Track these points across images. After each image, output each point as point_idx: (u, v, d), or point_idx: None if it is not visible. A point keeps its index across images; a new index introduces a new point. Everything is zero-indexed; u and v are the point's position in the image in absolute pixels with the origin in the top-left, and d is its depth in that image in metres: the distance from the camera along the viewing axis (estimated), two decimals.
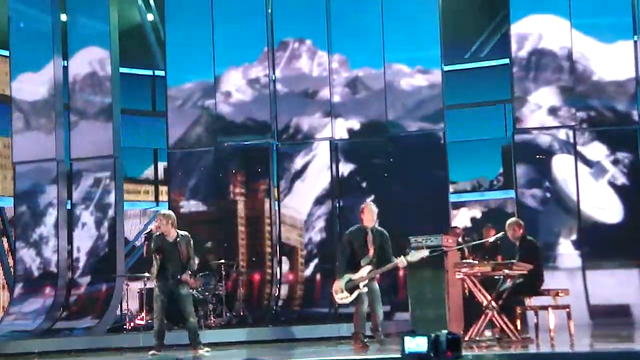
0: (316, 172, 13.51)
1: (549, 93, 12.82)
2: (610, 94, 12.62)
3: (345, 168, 13.49)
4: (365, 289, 8.60)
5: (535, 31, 12.90)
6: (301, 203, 13.49)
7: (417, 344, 2.29)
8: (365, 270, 8.65)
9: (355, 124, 13.60)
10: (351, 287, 8.65)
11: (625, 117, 12.55)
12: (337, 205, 13.35)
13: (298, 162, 13.63)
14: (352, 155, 13.52)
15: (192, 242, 9.35)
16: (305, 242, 13.41)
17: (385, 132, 13.31)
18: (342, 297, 8.70)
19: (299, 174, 13.59)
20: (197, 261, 10.08)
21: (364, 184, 13.33)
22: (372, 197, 13.02)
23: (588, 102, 12.67)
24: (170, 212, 9.48)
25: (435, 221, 12.23)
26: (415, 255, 8.72)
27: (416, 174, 12.90)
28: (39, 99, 14.21)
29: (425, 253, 8.84)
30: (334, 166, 13.48)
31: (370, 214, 8.78)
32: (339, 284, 8.72)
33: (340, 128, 13.60)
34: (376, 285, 8.78)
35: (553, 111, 12.78)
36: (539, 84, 12.86)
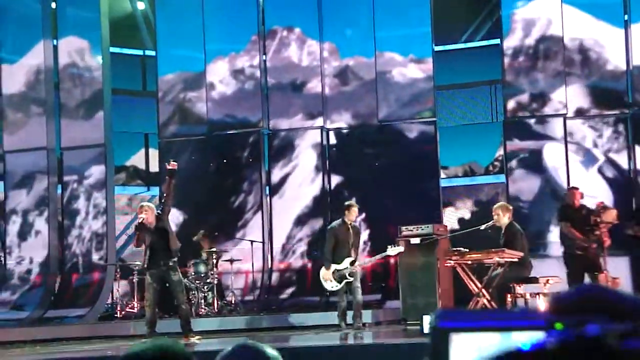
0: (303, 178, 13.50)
1: (539, 79, 12.82)
2: (604, 79, 12.62)
3: (336, 156, 13.49)
4: (352, 279, 9.66)
5: (529, 15, 12.88)
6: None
7: None
8: (347, 261, 9.72)
9: (346, 117, 13.57)
10: (339, 277, 9.71)
11: (617, 104, 12.56)
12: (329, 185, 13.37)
13: (284, 167, 13.59)
14: (342, 145, 13.52)
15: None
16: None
17: (377, 125, 13.29)
18: (331, 285, 9.79)
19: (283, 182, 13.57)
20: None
21: (353, 169, 13.32)
22: (363, 185, 13.04)
23: (579, 88, 12.67)
24: (151, 204, 9.82)
25: (427, 210, 12.27)
26: (394, 250, 10.01)
27: (407, 164, 12.89)
28: (23, 90, 14.10)
29: (400, 249, 10.03)
30: (325, 172, 13.45)
31: (353, 213, 9.98)
32: (327, 273, 9.82)
33: (331, 120, 13.60)
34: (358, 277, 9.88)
35: (544, 97, 12.79)
36: (530, 69, 12.86)
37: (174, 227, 10.40)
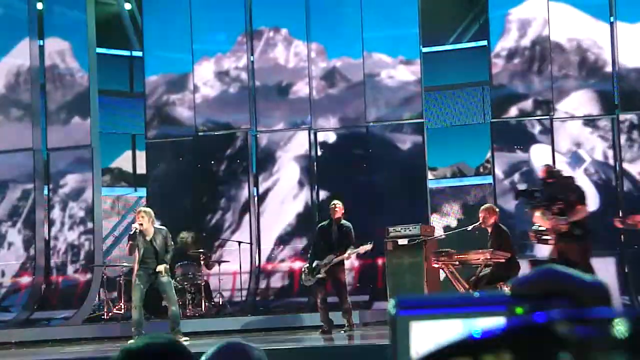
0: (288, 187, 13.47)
1: (527, 80, 12.84)
2: (592, 80, 12.65)
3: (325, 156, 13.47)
4: (324, 275, 9.67)
5: (518, 16, 12.91)
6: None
7: None
8: (328, 258, 9.70)
9: (333, 120, 13.54)
10: (315, 271, 9.77)
11: (605, 105, 12.60)
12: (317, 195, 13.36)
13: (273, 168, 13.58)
14: (330, 147, 13.51)
15: (169, 235, 9.55)
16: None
17: (365, 127, 13.28)
18: (305, 279, 9.92)
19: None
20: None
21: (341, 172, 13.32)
22: (351, 188, 13.04)
23: (567, 89, 12.70)
24: (149, 209, 9.67)
25: (414, 211, 12.27)
26: (359, 248, 9.84)
27: (396, 167, 12.90)
28: (3, 91, 14.02)
29: (368, 247, 9.85)
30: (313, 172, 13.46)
31: (332, 212, 9.98)
32: (307, 266, 9.95)
33: (317, 123, 13.57)
34: (341, 276, 9.85)
35: (531, 98, 12.81)
36: (518, 71, 12.88)
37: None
